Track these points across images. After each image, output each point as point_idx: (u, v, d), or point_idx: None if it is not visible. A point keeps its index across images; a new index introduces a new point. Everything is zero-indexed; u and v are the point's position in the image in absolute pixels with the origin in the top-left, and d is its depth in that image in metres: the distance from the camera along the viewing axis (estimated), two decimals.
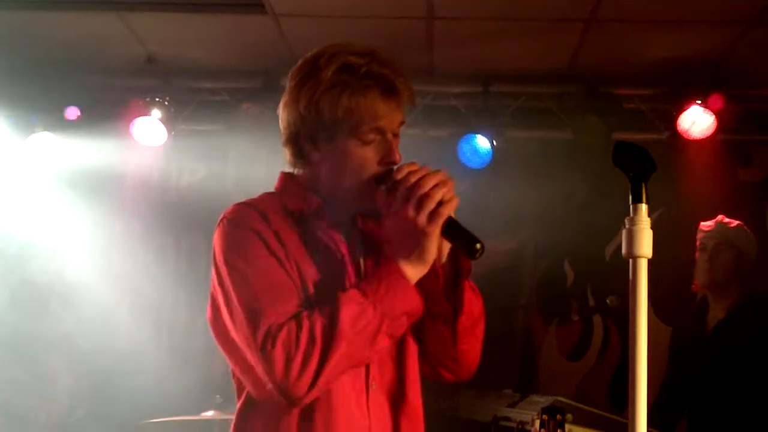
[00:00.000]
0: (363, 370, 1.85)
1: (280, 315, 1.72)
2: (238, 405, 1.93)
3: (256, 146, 5.47)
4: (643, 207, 1.63)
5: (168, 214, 5.71)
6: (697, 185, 5.37)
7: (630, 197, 1.64)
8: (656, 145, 5.11)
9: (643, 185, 1.63)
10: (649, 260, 1.61)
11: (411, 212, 1.74)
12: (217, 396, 4.27)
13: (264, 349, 1.69)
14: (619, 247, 1.65)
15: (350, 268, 1.90)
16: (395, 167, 1.86)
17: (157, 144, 5.36)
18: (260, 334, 1.70)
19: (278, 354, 1.68)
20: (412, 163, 1.84)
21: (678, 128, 5.18)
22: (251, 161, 5.64)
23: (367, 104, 1.85)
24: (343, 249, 1.90)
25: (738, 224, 4.13)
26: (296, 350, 1.68)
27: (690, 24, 4.74)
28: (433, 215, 1.73)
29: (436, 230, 1.74)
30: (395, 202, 1.79)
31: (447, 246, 1.83)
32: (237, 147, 5.52)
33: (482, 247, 1.75)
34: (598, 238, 5.33)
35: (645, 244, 1.60)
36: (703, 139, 5.21)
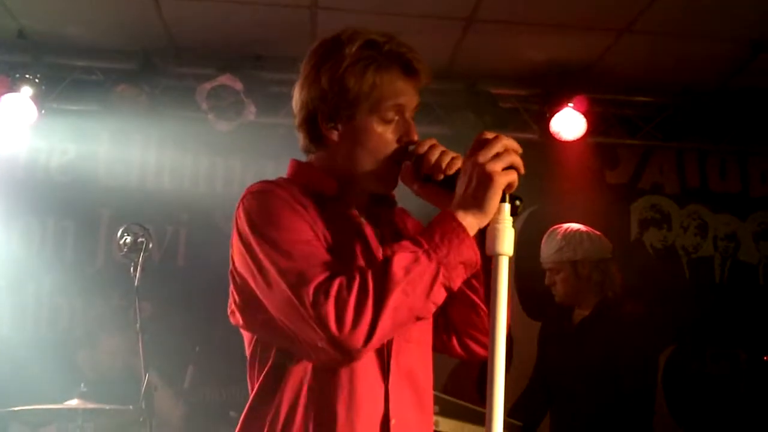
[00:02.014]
0: (384, 353, 1.81)
1: (325, 271, 1.67)
2: (257, 385, 1.85)
3: (130, 129, 5.36)
4: (506, 206, 1.67)
5: (34, 194, 5.49)
6: (567, 185, 5.56)
7: None
8: (529, 144, 5.24)
9: None
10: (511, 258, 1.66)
11: (481, 158, 1.68)
12: (82, 384, 4.16)
13: (316, 305, 1.63)
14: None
15: (374, 243, 1.88)
16: (416, 143, 1.85)
17: (27, 122, 5.17)
18: (309, 291, 1.64)
19: (330, 306, 1.62)
20: (431, 139, 1.84)
21: (550, 129, 5.35)
22: (124, 144, 5.52)
23: (391, 80, 1.86)
24: (367, 228, 1.90)
25: (578, 233, 4.08)
26: (348, 300, 1.62)
27: (565, 29, 4.90)
28: (506, 169, 1.68)
29: (504, 181, 1.67)
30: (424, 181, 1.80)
31: None
32: (110, 129, 5.39)
33: (521, 201, 1.72)
34: None
35: (506, 242, 1.65)
36: (573, 141, 5.40)
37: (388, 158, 1.87)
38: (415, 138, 1.88)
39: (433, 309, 1.73)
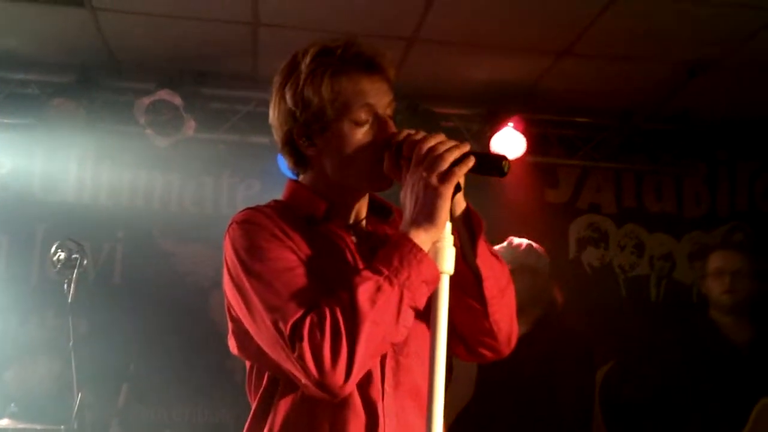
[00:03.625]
0: (378, 376, 1.78)
1: (300, 309, 1.65)
2: (253, 407, 1.85)
3: (66, 144, 5.27)
4: (448, 225, 1.68)
5: None
6: (507, 205, 5.60)
7: None
8: None
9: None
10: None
11: (424, 172, 1.68)
12: (12, 405, 4.07)
13: (294, 348, 1.61)
14: None
15: (361, 263, 1.83)
16: (394, 135, 1.80)
17: None
18: (287, 333, 1.63)
19: (306, 349, 1.60)
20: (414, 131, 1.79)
21: (490, 148, 5.40)
22: (60, 159, 5.43)
23: (351, 82, 1.83)
24: (353, 249, 1.85)
25: (527, 244, 4.14)
26: (322, 342, 1.60)
27: (506, 50, 4.96)
28: (447, 174, 1.67)
29: (449, 190, 1.67)
30: (409, 166, 1.72)
31: (458, 204, 1.78)
32: (46, 143, 5.29)
33: (508, 160, 1.71)
34: None
35: (448, 261, 1.66)
36: (513, 160, 5.45)
37: (370, 158, 1.82)
38: (392, 132, 1.83)
39: (405, 332, 1.70)
